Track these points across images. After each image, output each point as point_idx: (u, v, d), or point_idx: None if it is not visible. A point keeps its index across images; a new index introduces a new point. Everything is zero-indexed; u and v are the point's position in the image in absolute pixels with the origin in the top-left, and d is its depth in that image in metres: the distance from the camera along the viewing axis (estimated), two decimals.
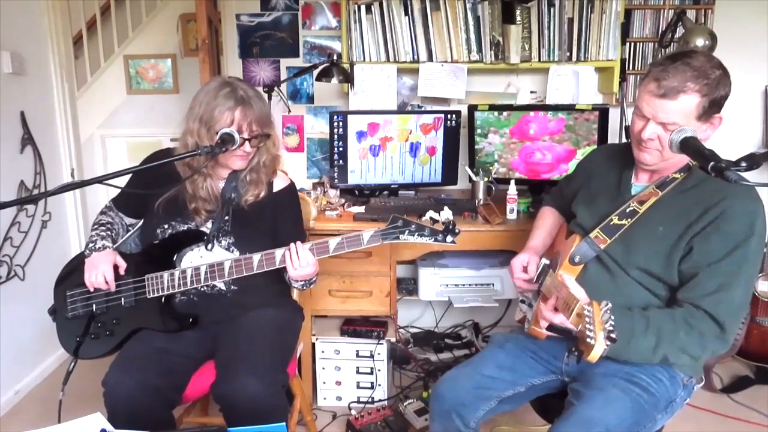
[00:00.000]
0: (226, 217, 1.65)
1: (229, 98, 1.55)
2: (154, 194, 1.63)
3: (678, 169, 1.40)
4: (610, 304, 1.15)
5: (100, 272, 1.58)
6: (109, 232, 1.68)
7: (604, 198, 1.51)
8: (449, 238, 1.54)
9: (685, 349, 1.31)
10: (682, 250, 1.33)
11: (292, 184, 1.80)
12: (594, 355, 1.12)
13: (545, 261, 1.51)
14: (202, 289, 1.63)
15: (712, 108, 1.28)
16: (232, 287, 1.64)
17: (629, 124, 1.46)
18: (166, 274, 1.60)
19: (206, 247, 1.64)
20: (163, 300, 1.62)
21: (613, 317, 1.14)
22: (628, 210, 1.41)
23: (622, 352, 1.31)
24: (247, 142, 1.58)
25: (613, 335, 1.11)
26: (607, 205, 1.48)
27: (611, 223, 1.43)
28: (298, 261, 1.54)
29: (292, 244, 1.56)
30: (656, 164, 1.39)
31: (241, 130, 1.56)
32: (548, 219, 1.76)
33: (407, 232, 1.54)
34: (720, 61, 1.30)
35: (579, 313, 1.17)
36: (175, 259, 1.63)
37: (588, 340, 1.12)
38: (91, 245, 1.64)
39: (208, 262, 1.59)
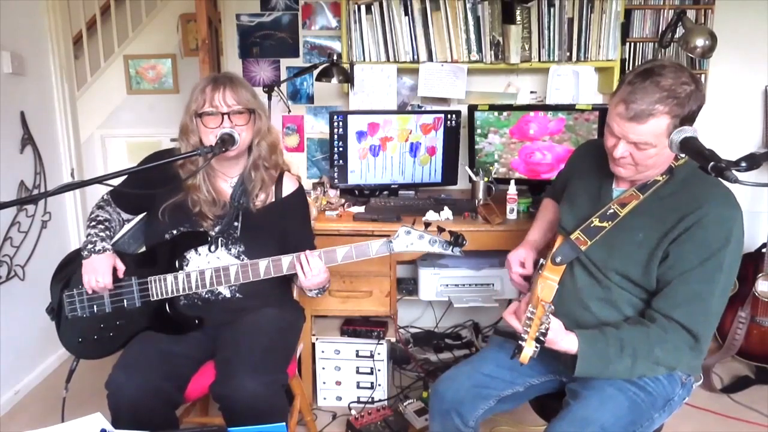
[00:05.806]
0: (236, 223, 1.64)
1: (204, 81, 1.60)
2: (154, 193, 1.61)
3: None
4: (552, 308, 1.24)
5: (101, 275, 1.57)
6: (107, 231, 1.66)
7: (585, 200, 1.50)
8: (456, 250, 1.55)
9: (660, 363, 1.32)
10: (660, 258, 1.31)
11: (300, 188, 1.77)
12: (524, 356, 1.17)
13: (542, 260, 1.51)
14: (206, 295, 1.62)
15: (683, 124, 1.24)
16: (237, 295, 1.64)
17: None
18: (170, 277, 1.59)
19: (210, 249, 1.63)
20: (167, 303, 1.61)
21: (549, 321, 1.20)
22: (608, 212, 1.40)
23: (602, 376, 1.33)
24: (226, 117, 1.55)
25: (542, 338, 1.17)
26: (588, 207, 1.46)
27: (592, 225, 1.41)
28: (310, 271, 1.54)
29: (301, 253, 1.55)
30: (632, 176, 1.37)
31: (216, 106, 1.55)
32: (549, 212, 1.75)
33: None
34: (690, 73, 1.25)
35: (528, 315, 1.22)
36: (177, 261, 1.62)
37: (520, 342, 1.17)
38: (90, 246, 1.61)
39: (213, 266, 1.58)
